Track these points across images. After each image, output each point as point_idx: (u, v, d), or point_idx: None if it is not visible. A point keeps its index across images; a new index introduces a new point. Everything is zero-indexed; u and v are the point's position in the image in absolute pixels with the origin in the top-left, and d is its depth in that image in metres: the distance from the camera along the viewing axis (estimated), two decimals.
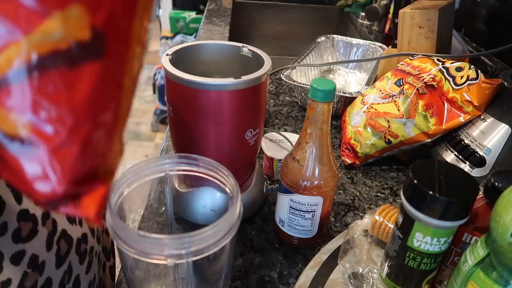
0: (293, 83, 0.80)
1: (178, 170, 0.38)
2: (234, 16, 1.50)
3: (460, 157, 0.57)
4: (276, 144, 0.63)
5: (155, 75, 2.57)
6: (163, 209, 0.54)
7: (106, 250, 0.56)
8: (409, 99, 0.61)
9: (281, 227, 0.49)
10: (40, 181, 0.19)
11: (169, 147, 0.67)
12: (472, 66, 0.59)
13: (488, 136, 0.55)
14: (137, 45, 0.20)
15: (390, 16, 1.24)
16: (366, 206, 0.58)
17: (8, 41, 0.17)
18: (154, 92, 2.68)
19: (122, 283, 0.45)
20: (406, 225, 0.36)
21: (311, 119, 0.42)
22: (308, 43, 1.06)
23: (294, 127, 0.78)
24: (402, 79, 0.65)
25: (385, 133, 0.63)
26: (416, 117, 0.60)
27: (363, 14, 1.44)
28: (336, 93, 0.61)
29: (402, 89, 0.63)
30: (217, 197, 0.46)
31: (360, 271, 0.43)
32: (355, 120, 0.67)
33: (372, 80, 0.84)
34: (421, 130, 0.60)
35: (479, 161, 0.55)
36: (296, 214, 0.47)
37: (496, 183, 0.34)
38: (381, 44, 1.04)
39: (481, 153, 0.55)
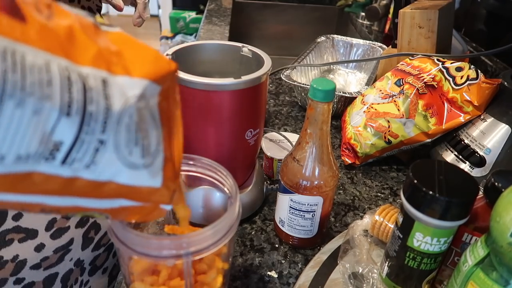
0: (293, 83, 0.80)
1: None
2: (234, 16, 1.49)
3: (460, 157, 0.57)
4: (276, 144, 0.63)
5: None
6: None
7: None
8: (409, 99, 0.61)
9: (281, 227, 0.49)
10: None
11: None
12: (472, 66, 0.59)
13: (488, 136, 0.55)
14: None
15: (390, 16, 1.24)
16: (366, 206, 0.58)
17: None
18: None
19: (122, 283, 0.45)
20: (406, 225, 0.36)
21: (311, 119, 0.42)
22: (308, 43, 1.06)
23: (294, 127, 0.78)
24: (402, 79, 0.65)
25: (385, 133, 0.63)
26: (416, 117, 0.60)
27: (363, 14, 1.44)
28: (336, 93, 0.61)
29: (402, 89, 0.63)
30: (216, 197, 0.46)
31: (360, 271, 0.43)
32: (355, 120, 0.67)
33: (372, 80, 0.84)
34: (421, 130, 0.60)
35: (479, 161, 0.55)
36: (296, 214, 0.46)
37: (496, 183, 0.34)
38: (381, 44, 1.04)
39: (481, 153, 0.55)
